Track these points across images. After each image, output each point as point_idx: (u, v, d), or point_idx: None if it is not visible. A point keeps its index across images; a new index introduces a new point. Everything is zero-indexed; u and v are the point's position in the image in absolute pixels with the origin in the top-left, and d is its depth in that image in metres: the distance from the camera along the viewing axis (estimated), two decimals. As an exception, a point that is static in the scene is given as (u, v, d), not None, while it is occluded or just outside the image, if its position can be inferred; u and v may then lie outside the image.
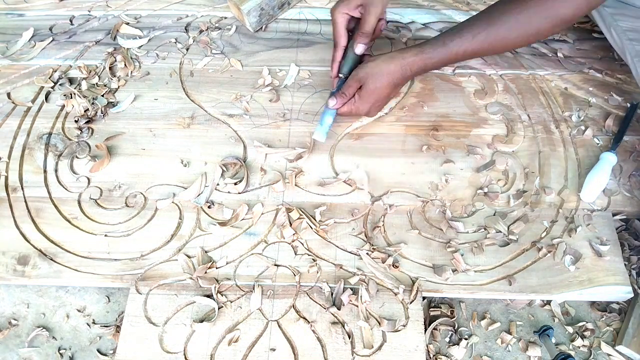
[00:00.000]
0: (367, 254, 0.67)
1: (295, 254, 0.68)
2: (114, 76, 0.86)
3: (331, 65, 0.76)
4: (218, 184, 0.73)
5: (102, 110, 0.81)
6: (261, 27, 0.93)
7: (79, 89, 0.83)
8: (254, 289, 0.65)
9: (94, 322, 0.69)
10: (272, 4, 0.91)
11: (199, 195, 0.72)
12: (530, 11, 0.66)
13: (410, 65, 0.71)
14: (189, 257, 0.67)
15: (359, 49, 0.73)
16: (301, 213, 0.70)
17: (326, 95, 0.83)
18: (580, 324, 0.68)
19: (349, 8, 0.73)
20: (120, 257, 0.67)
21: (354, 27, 0.76)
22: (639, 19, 0.77)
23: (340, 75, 0.75)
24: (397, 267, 0.66)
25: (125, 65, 0.87)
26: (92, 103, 0.81)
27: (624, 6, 0.80)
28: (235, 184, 0.73)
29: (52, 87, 0.84)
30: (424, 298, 0.65)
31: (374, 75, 0.71)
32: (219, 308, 0.63)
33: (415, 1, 0.98)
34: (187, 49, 0.90)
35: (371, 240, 0.68)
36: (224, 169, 0.74)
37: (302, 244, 0.68)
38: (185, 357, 0.60)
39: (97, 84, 0.85)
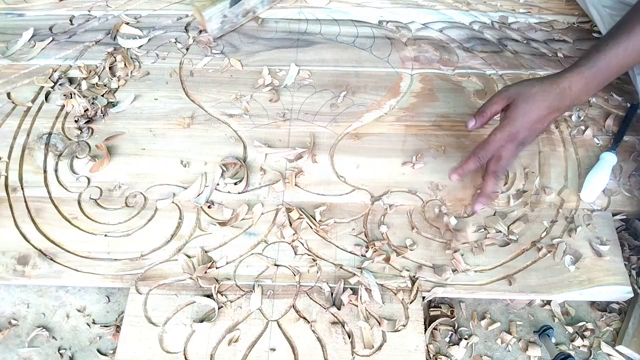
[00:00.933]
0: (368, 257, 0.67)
1: (295, 254, 0.68)
2: (114, 76, 0.86)
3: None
4: (218, 184, 0.73)
5: (102, 110, 0.81)
6: (223, 34, 0.92)
7: (79, 89, 0.83)
8: (254, 289, 0.65)
9: (94, 322, 0.69)
10: (236, 11, 0.90)
11: (199, 195, 0.72)
12: None
13: (569, 83, 0.61)
14: (189, 257, 0.67)
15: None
16: (301, 213, 0.70)
17: (326, 94, 0.83)
18: (580, 324, 0.68)
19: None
20: (120, 257, 0.67)
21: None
22: None
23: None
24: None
25: (125, 65, 0.87)
26: (92, 103, 0.81)
27: (624, 7, 0.79)
28: (235, 184, 0.73)
29: (52, 87, 0.84)
30: (423, 298, 0.65)
31: (525, 94, 0.61)
32: (219, 308, 0.63)
33: (415, 1, 0.98)
34: (187, 49, 0.90)
35: (371, 241, 0.68)
36: (224, 169, 0.74)
37: (302, 244, 0.68)
38: (185, 357, 0.60)
39: (97, 84, 0.84)
